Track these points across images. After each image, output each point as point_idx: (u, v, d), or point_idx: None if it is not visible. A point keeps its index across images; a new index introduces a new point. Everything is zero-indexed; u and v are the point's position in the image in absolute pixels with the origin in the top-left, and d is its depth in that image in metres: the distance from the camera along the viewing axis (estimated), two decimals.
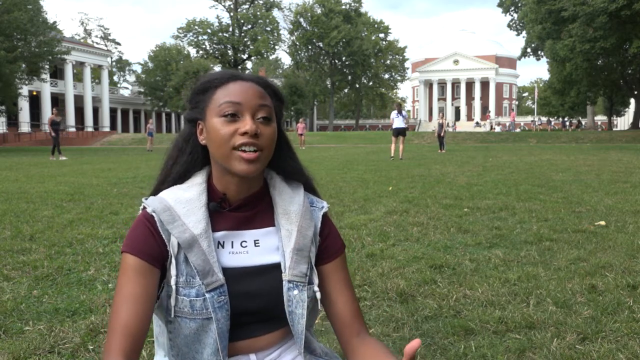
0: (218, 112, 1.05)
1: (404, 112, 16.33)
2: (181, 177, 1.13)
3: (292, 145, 1.19)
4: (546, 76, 60.57)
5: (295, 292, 1.08)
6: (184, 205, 1.07)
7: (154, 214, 1.05)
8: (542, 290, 2.83)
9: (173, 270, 1.05)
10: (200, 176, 1.12)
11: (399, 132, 16.06)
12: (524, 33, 48.41)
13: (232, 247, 1.09)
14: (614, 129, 51.23)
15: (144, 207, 1.08)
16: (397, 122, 16.06)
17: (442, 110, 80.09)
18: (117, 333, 1.00)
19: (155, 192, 1.13)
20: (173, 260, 1.05)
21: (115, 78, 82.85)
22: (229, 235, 1.10)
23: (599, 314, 2.47)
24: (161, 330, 1.15)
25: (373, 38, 71.74)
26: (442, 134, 22.42)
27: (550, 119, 59.44)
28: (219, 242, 1.09)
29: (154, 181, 1.18)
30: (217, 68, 57.69)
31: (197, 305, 1.04)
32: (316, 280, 1.12)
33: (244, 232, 1.11)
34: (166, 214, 1.05)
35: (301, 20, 66.45)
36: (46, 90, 46.25)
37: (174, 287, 1.04)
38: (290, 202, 1.12)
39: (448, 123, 22.19)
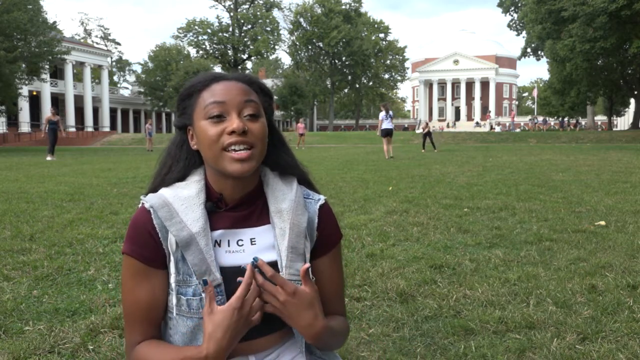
0: (204, 115, 1.04)
1: (391, 113, 16.56)
2: (178, 182, 1.13)
3: (285, 141, 1.19)
4: (546, 76, 60.60)
5: None
6: (182, 202, 1.07)
7: (151, 209, 1.05)
8: (542, 290, 2.83)
9: (172, 269, 1.05)
10: (198, 174, 1.12)
11: (388, 133, 16.36)
12: (524, 33, 48.43)
13: (229, 245, 1.09)
14: (614, 129, 51.21)
15: (143, 204, 1.08)
16: (386, 123, 16.36)
17: (441, 112, 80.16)
18: (136, 333, 1.08)
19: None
20: (171, 258, 1.05)
21: (115, 78, 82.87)
22: (226, 234, 1.10)
23: (599, 314, 2.47)
24: (163, 327, 1.15)
25: (373, 38, 71.77)
26: (423, 132, 22.87)
27: (547, 118, 59.40)
28: (215, 241, 1.09)
29: (149, 184, 1.18)
30: (217, 68, 57.72)
31: (194, 305, 1.04)
32: (311, 276, 1.12)
33: (241, 231, 1.11)
34: (164, 210, 1.05)
35: (301, 20, 66.44)
36: (46, 90, 46.23)
37: (173, 285, 1.05)
38: (282, 200, 1.12)
39: (432, 126, 23.35)
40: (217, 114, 1.03)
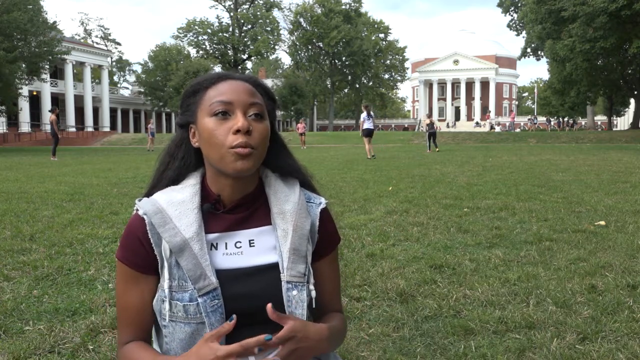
0: (209, 112, 1.04)
1: (372, 114, 17.07)
2: (173, 182, 1.13)
3: (287, 146, 1.19)
4: (546, 76, 60.56)
5: (295, 292, 1.08)
6: (176, 207, 1.06)
7: (145, 217, 1.05)
8: (542, 290, 2.83)
9: (166, 275, 1.05)
10: (194, 177, 1.11)
11: (369, 133, 16.71)
12: (524, 33, 48.43)
13: (226, 248, 1.08)
14: (614, 129, 51.19)
15: (137, 209, 1.08)
16: (367, 123, 16.76)
17: (441, 112, 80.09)
18: (126, 334, 1.11)
19: (147, 196, 1.12)
20: (165, 264, 1.04)
21: (116, 78, 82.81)
22: (223, 236, 1.09)
23: (599, 314, 2.47)
24: (159, 334, 1.15)
25: (373, 38, 71.72)
26: (427, 131, 22.54)
27: (550, 118, 59.40)
28: (212, 244, 1.08)
29: (147, 185, 1.18)
30: (217, 68, 57.71)
31: (191, 310, 1.03)
32: (312, 279, 1.12)
33: (239, 232, 1.10)
34: (157, 216, 1.05)
35: (301, 20, 66.41)
36: (46, 90, 46.20)
37: (166, 291, 1.04)
38: (285, 201, 1.11)
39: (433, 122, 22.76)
40: (223, 111, 1.03)
